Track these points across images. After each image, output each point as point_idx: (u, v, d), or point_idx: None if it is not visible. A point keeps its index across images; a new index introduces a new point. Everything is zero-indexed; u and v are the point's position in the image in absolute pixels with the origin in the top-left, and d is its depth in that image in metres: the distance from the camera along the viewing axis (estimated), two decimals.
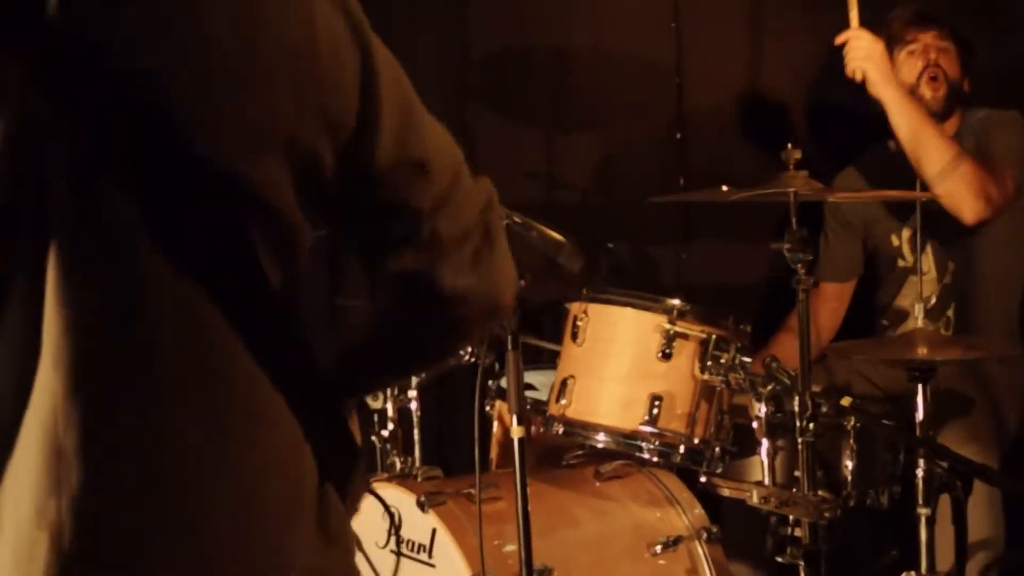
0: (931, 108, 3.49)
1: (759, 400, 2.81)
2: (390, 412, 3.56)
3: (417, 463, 3.40)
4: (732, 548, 3.25)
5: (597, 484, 3.17)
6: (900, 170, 3.40)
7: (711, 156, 4.39)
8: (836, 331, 3.84)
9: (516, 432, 2.58)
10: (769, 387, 2.80)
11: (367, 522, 3.07)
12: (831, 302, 3.85)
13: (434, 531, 2.89)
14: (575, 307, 3.06)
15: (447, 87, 4.44)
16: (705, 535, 3.13)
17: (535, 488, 3.05)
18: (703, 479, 3.04)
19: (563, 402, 2.99)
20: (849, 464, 3.07)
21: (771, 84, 4.36)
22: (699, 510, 3.17)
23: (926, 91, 3.53)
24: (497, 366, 3.68)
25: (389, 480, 3.07)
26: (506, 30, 4.44)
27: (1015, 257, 3.59)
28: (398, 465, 3.49)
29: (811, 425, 2.73)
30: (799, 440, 2.75)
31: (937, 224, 3.48)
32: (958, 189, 3.28)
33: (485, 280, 1.45)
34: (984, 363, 3.47)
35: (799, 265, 2.74)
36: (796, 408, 2.75)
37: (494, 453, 3.71)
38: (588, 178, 4.50)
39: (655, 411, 2.90)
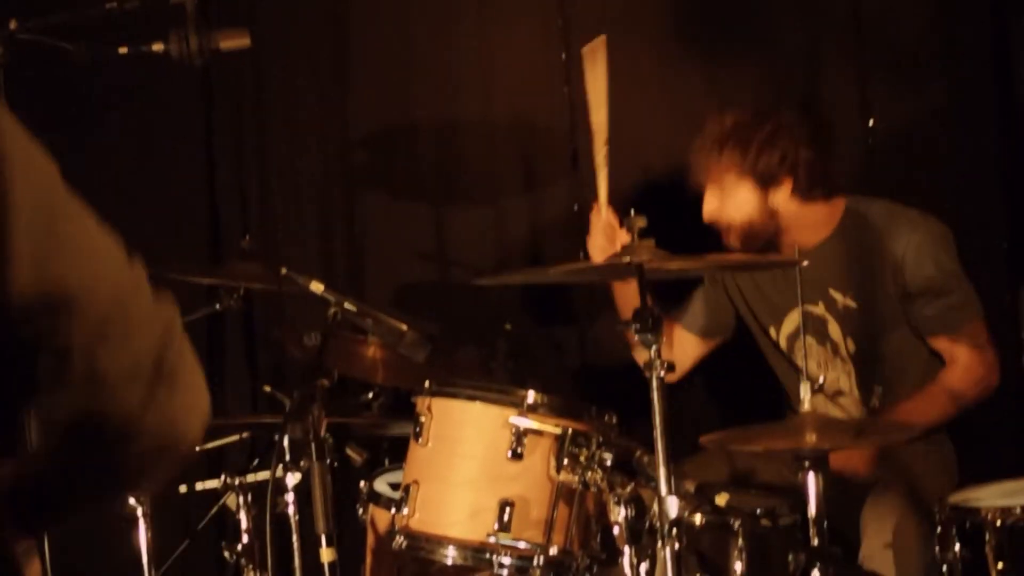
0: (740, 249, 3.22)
1: (618, 503, 2.47)
2: (244, 523, 3.22)
3: None
4: None
5: None
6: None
7: None
8: (674, 379, 3.44)
9: (325, 556, 2.23)
10: (628, 488, 2.47)
11: None
12: (677, 347, 3.48)
13: None
14: (419, 403, 2.73)
15: (330, 168, 4.14)
16: None
17: None
18: None
19: (406, 511, 2.65)
20: (738, 568, 2.74)
21: (673, 148, 4.05)
22: None
23: None
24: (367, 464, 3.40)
25: None
26: (389, 106, 4.15)
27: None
28: None
29: (674, 531, 2.39)
30: (662, 548, 2.41)
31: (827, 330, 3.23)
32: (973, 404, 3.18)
33: (158, 418, 1.31)
34: (903, 444, 3.14)
35: (652, 348, 2.42)
36: (656, 510, 2.41)
37: (368, 563, 3.37)
38: (482, 255, 4.18)
39: (506, 518, 2.56)
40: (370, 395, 3.57)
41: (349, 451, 3.44)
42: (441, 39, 4.09)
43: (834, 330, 3.29)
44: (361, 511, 3.03)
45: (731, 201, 3.23)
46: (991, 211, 3.87)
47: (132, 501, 3.14)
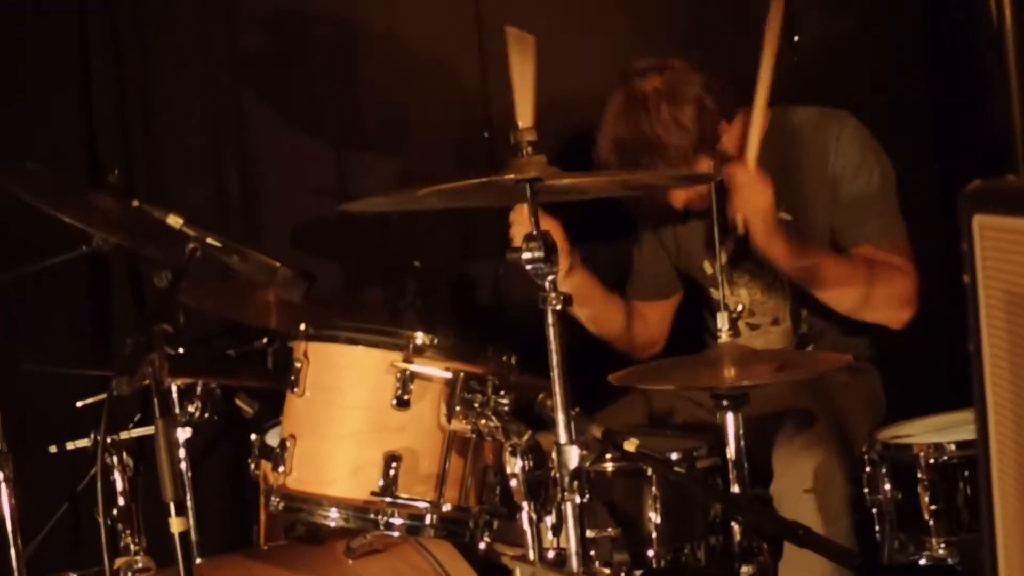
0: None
1: (515, 454, 2.21)
2: (119, 485, 2.95)
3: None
4: None
5: (348, 563, 2.58)
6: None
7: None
8: (657, 349, 3.27)
9: (174, 526, 1.97)
10: (525, 436, 2.21)
11: None
12: (646, 322, 3.27)
13: None
14: (295, 348, 2.46)
15: (221, 102, 3.81)
16: None
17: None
18: (481, 545, 2.46)
19: (282, 469, 2.39)
20: (653, 517, 2.51)
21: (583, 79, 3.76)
22: None
23: None
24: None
25: None
26: (283, 20, 3.82)
27: None
28: (132, 550, 2.88)
29: (575, 483, 2.14)
30: (561, 501, 2.16)
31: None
32: (881, 316, 2.93)
33: None
34: (826, 374, 2.91)
35: (545, 279, 2.15)
36: (555, 459, 2.16)
37: (262, 522, 3.12)
38: (388, 189, 3.89)
39: (392, 473, 2.30)
40: (264, 340, 3.32)
41: (239, 402, 3.19)
42: None
43: None
44: (252, 467, 2.76)
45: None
46: (921, 131, 3.65)
47: None
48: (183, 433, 2.97)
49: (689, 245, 3.18)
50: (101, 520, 2.45)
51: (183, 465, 3.04)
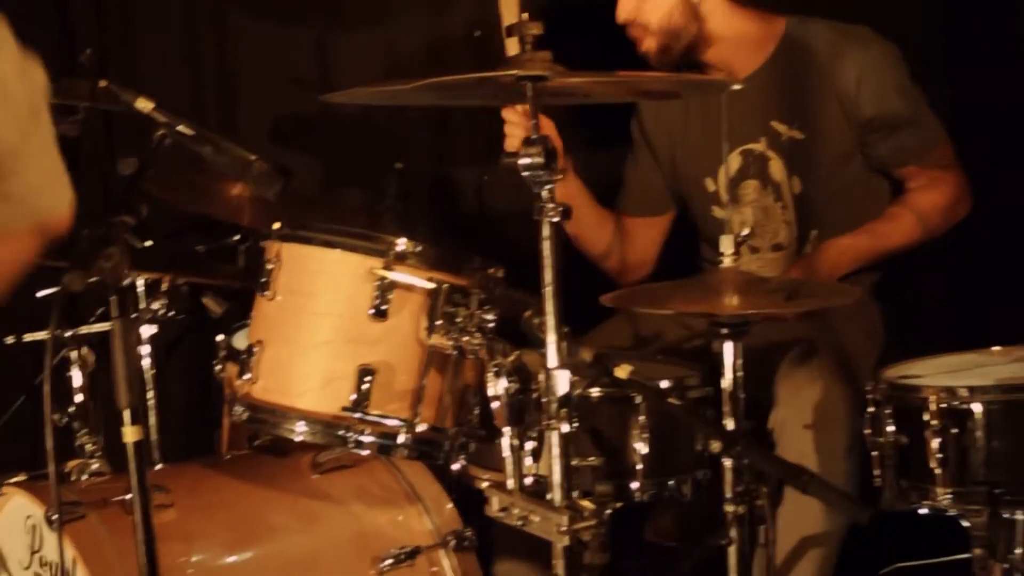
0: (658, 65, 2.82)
1: (498, 374, 2.05)
2: (77, 380, 2.78)
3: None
4: None
5: (313, 477, 2.43)
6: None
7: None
8: (646, 271, 3.11)
9: (128, 435, 1.80)
10: (511, 357, 2.05)
11: (12, 533, 2.32)
12: (636, 240, 3.11)
13: (73, 560, 2.13)
14: (267, 248, 2.29)
15: None
16: (454, 542, 2.40)
17: (225, 488, 2.33)
18: (455, 466, 2.31)
19: (247, 377, 2.23)
20: (639, 448, 2.36)
21: None
22: (449, 507, 2.45)
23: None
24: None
25: (20, 485, 2.28)
26: None
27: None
28: (88, 449, 2.72)
29: (562, 410, 1.98)
30: (545, 429, 2.00)
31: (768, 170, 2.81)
32: (944, 229, 2.91)
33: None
34: None
35: (543, 188, 1.98)
36: (541, 384, 2.00)
37: (225, 428, 2.97)
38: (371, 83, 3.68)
39: (365, 388, 2.14)
40: (236, 238, 3.14)
41: (207, 301, 3.03)
42: None
43: (776, 169, 2.89)
44: (218, 368, 2.61)
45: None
46: (934, 47, 3.46)
47: None
48: (147, 330, 2.82)
49: (687, 160, 3.01)
50: (47, 421, 2.28)
51: (146, 362, 2.89)
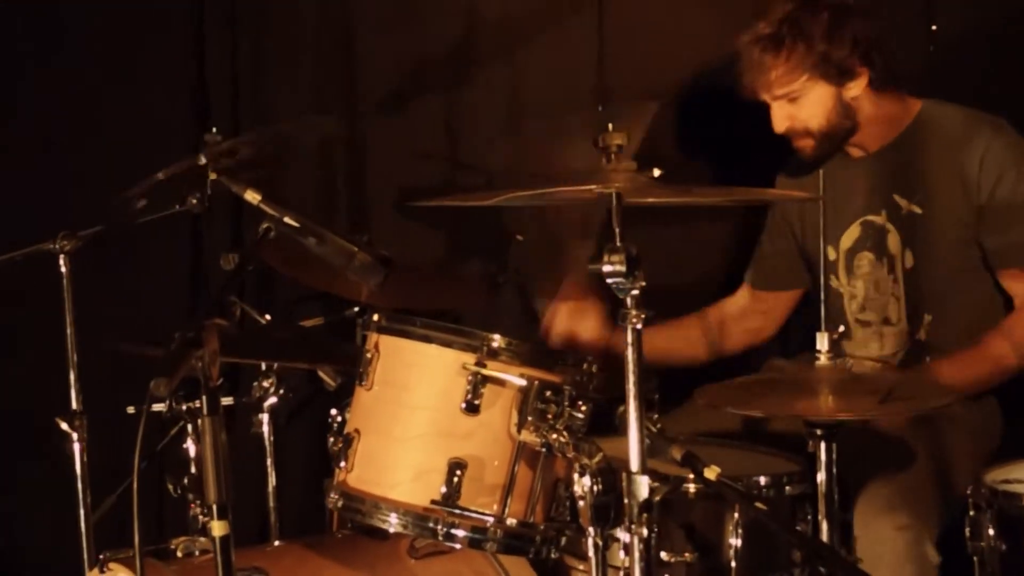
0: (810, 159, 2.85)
1: (583, 474, 2.07)
2: (192, 450, 2.89)
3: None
4: None
5: (410, 562, 2.47)
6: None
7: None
8: (762, 338, 3.17)
9: (215, 529, 1.87)
10: (596, 458, 2.07)
11: None
12: (752, 316, 3.12)
13: None
14: (368, 339, 2.35)
15: (331, 53, 3.72)
16: None
17: (324, 571, 2.38)
18: (553, 554, 2.33)
19: (344, 465, 2.29)
20: (734, 543, 2.36)
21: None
22: None
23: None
24: None
25: (123, 561, 2.37)
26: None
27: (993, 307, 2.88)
28: (200, 522, 2.81)
29: (643, 515, 1.99)
30: (630, 534, 2.02)
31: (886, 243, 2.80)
32: None
33: None
34: None
35: (626, 297, 2.00)
36: (624, 485, 2.02)
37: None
38: (495, 157, 3.76)
39: (455, 481, 2.19)
40: (355, 309, 3.22)
41: (322, 374, 3.10)
42: None
43: (893, 242, 2.88)
44: (331, 441, 2.67)
45: (805, 104, 2.82)
46: None
47: (64, 425, 2.83)
48: (263, 417, 2.94)
49: (814, 229, 3.02)
50: (136, 507, 2.35)
51: (265, 430, 3.01)
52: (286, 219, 2.27)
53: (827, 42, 2.77)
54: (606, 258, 1.97)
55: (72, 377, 2.88)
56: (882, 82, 2.83)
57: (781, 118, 2.84)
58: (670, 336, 3.08)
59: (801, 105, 2.82)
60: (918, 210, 2.84)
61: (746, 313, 3.17)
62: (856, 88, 2.81)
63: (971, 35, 3.40)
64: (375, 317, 2.32)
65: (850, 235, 2.93)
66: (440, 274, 3.57)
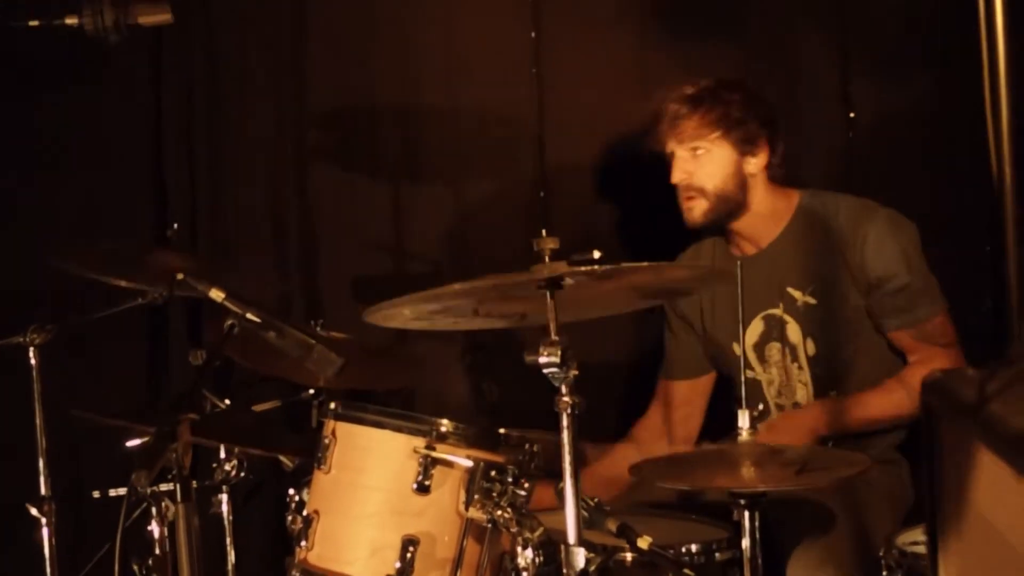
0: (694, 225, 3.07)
1: (525, 547, 2.26)
2: (156, 532, 3.03)
3: None
4: None
5: None
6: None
7: (578, 216, 3.86)
8: (693, 439, 3.30)
9: None
10: (538, 532, 2.26)
11: None
12: (682, 406, 3.31)
13: None
14: (325, 425, 2.53)
15: (285, 148, 3.92)
16: None
17: None
18: None
19: (304, 544, 2.46)
20: None
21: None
22: None
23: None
24: None
25: None
26: (349, 83, 3.92)
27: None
28: None
29: None
30: None
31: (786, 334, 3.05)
32: None
33: None
34: None
35: (562, 386, 2.20)
36: (563, 557, 2.21)
37: None
38: (442, 245, 3.97)
39: (409, 557, 2.36)
40: (311, 392, 3.39)
41: (280, 456, 3.27)
42: (405, 11, 3.86)
43: (793, 332, 3.09)
44: (289, 520, 2.84)
45: (707, 162, 3.04)
46: (974, 212, 3.63)
47: (34, 510, 2.97)
48: (222, 497, 3.09)
49: (716, 328, 3.22)
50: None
51: (224, 509, 3.15)
52: (248, 315, 2.46)
53: (742, 111, 3.04)
54: (542, 351, 2.17)
55: (41, 463, 3.02)
56: (774, 172, 3.07)
57: (682, 170, 3.05)
58: (611, 465, 3.19)
59: (703, 162, 3.04)
60: (812, 300, 3.06)
61: (670, 408, 3.32)
62: (755, 165, 3.05)
63: (889, 121, 3.66)
64: (332, 405, 2.50)
65: (754, 329, 3.14)
66: (393, 355, 3.75)
